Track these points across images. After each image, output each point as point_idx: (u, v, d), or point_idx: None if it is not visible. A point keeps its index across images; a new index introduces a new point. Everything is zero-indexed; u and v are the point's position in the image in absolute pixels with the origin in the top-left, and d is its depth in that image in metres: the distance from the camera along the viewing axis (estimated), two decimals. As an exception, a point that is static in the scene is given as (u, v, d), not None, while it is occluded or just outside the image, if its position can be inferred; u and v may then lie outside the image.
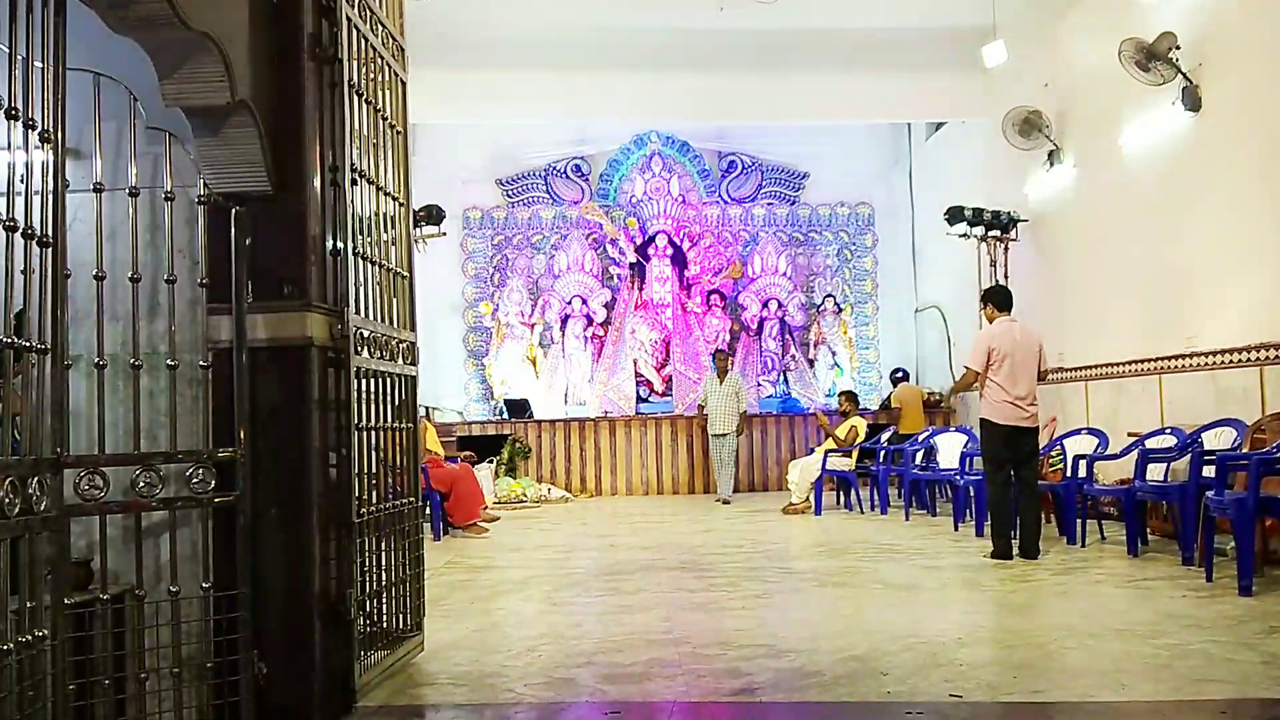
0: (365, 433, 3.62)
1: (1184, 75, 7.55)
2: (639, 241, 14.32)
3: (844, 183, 14.56)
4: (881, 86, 11.78)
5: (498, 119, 13.09)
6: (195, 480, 3.08)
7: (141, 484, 2.99)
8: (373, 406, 3.73)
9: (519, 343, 14.15)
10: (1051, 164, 9.95)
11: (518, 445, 12.60)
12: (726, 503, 11.35)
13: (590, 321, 14.24)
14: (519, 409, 13.13)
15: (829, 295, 14.52)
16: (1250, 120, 7.00)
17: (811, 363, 14.37)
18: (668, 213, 14.38)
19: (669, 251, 14.33)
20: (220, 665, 3.10)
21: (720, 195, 14.55)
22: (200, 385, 3.25)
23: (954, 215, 10.73)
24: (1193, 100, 7.55)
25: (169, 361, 3.15)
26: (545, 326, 14.21)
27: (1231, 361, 7.16)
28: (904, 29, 11.29)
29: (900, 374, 12.52)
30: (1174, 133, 7.86)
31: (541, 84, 11.54)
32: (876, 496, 10.08)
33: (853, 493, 10.28)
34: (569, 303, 14.23)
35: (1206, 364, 7.46)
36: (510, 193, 14.44)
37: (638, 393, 14.07)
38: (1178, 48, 7.56)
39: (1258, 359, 6.87)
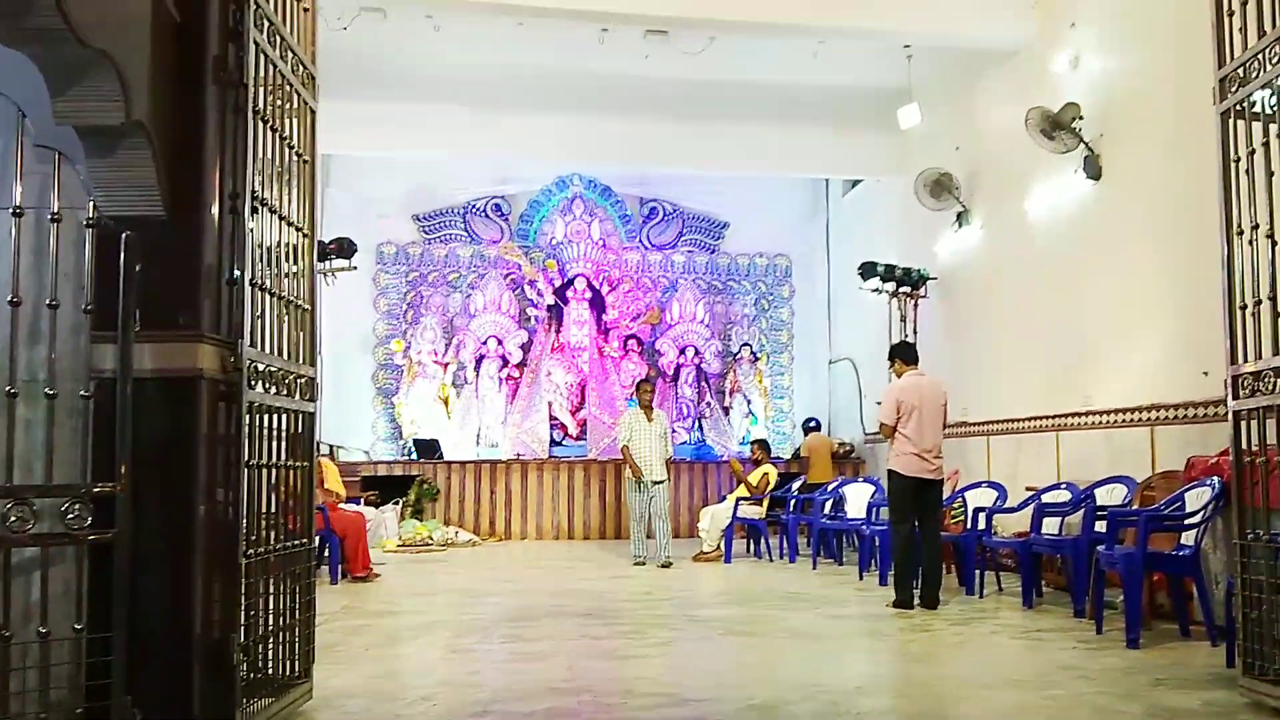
0: (256, 470, 3.50)
1: (1086, 145, 7.87)
2: (558, 284, 14.31)
3: (763, 233, 14.79)
4: (803, 141, 12.05)
5: (418, 154, 13.00)
6: (70, 516, 2.94)
7: (12, 518, 2.84)
8: (266, 443, 3.62)
9: (431, 382, 13.96)
10: (960, 224, 10.25)
11: (425, 486, 12.38)
12: (668, 565, 9.36)
13: (505, 362, 14.13)
14: (428, 449, 12.92)
15: (746, 344, 14.67)
16: (1146, 191, 7.31)
17: (727, 410, 14.46)
18: (588, 256, 14.41)
19: (588, 295, 14.34)
20: (92, 712, 2.94)
21: (641, 241, 14.65)
22: (81, 416, 3.12)
23: (867, 270, 10.97)
24: (1094, 169, 7.87)
25: (48, 390, 3.01)
26: (459, 366, 14.05)
27: (1125, 421, 7.41)
28: (826, 87, 11.58)
29: (812, 423, 12.68)
30: (1076, 199, 8.17)
31: (464, 121, 11.51)
32: (786, 545, 10.14)
33: (763, 541, 10.33)
34: (484, 343, 14.11)
35: (1102, 422, 7.71)
36: (428, 229, 14.32)
37: (551, 436, 13.97)
38: (1081, 118, 7.88)
39: (1149, 419, 7.13)
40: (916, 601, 6.66)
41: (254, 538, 3.46)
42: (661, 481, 9.78)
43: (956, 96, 10.42)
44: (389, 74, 11.02)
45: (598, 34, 10.05)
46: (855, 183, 13.75)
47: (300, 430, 3.94)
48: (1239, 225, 4.36)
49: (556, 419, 14.05)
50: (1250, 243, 4.29)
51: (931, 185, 10.22)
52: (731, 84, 11.48)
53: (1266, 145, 4.17)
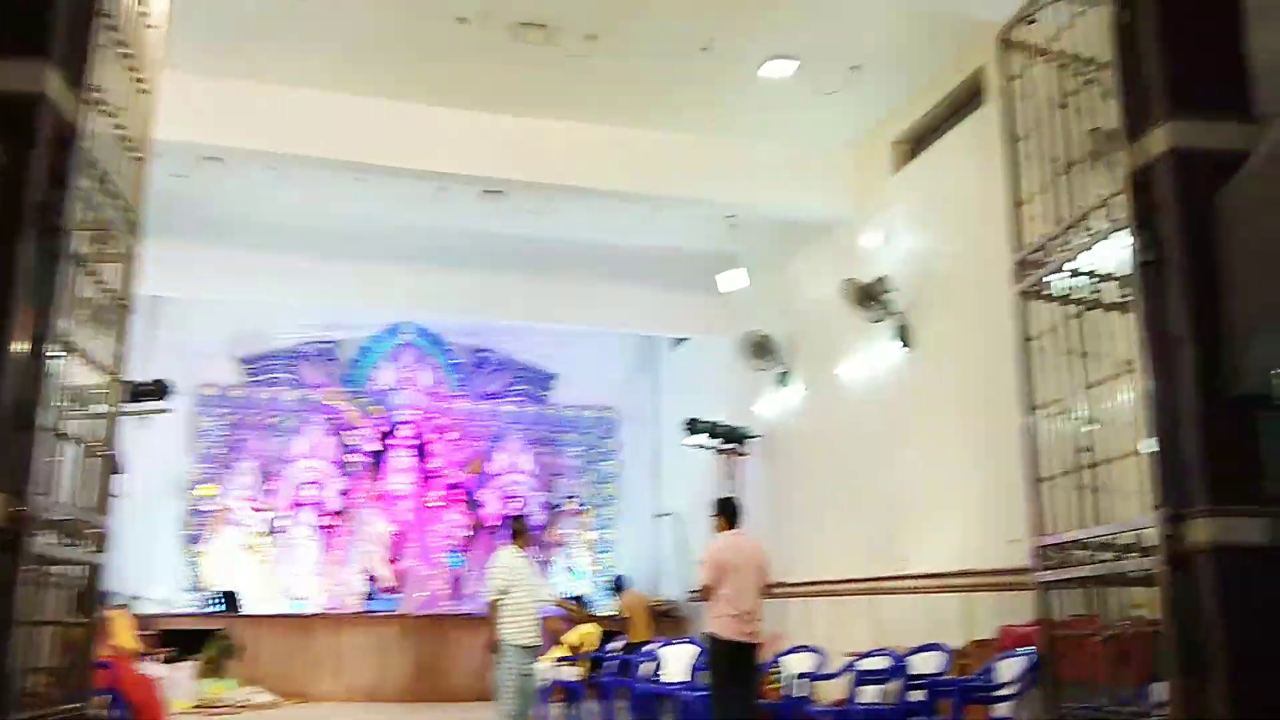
0: (30, 627, 3.06)
1: (897, 315, 8.25)
2: (383, 430, 13.80)
3: (592, 386, 14.79)
4: (633, 299, 12.25)
5: (250, 298, 12.54)
6: None
7: None
8: (47, 598, 3.20)
9: (242, 529, 13.02)
10: (782, 385, 10.51)
11: (227, 642, 11.34)
12: None
13: (322, 510, 13.38)
14: (233, 601, 11.92)
15: (571, 496, 14.42)
16: (953, 363, 7.66)
17: (547, 565, 14.03)
18: (415, 403, 14.01)
19: (413, 442, 13.87)
20: None
21: (470, 390, 14.38)
22: None
23: (693, 426, 11.04)
24: (905, 338, 8.23)
25: None
26: (273, 513, 13.20)
27: (940, 586, 7.52)
28: (657, 249, 11.89)
29: (620, 581, 12.41)
30: (890, 367, 8.50)
31: (299, 267, 11.25)
32: (604, 709, 9.70)
33: (580, 705, 9.85)
34: (301, 489, 13.34)
35: (918, 587, 7.80)
36: (253, 371, 13.66)
37: (367, 588, 13.17)
38: (891, 290, 8.29)
39: (962, 585, 7.25)
40: (736, 772, 6.40)
41: (27, 700, 3.00)
42: (537, 646, 7.71)
43: (778, 263, 10.85)
44: (226, 218, 10.77)
45: (434, 190, 10.07)
46: (684, 339, 14.02)
47: (87, 583, 3.52)
48: (1038, 401, 4.55)
49: (372, 571, 13.29)
50: (1049, 417, 4.47)
51: (754, 346, 10.49)
52: (567, 242, 11.64)
53: (1063, 325, 4.40)
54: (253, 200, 10.71)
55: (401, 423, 13.88)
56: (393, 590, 13.28)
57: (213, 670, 11.05)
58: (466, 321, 13.96)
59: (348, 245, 11.28)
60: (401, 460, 13.76)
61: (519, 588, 7.47)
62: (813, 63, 8.11)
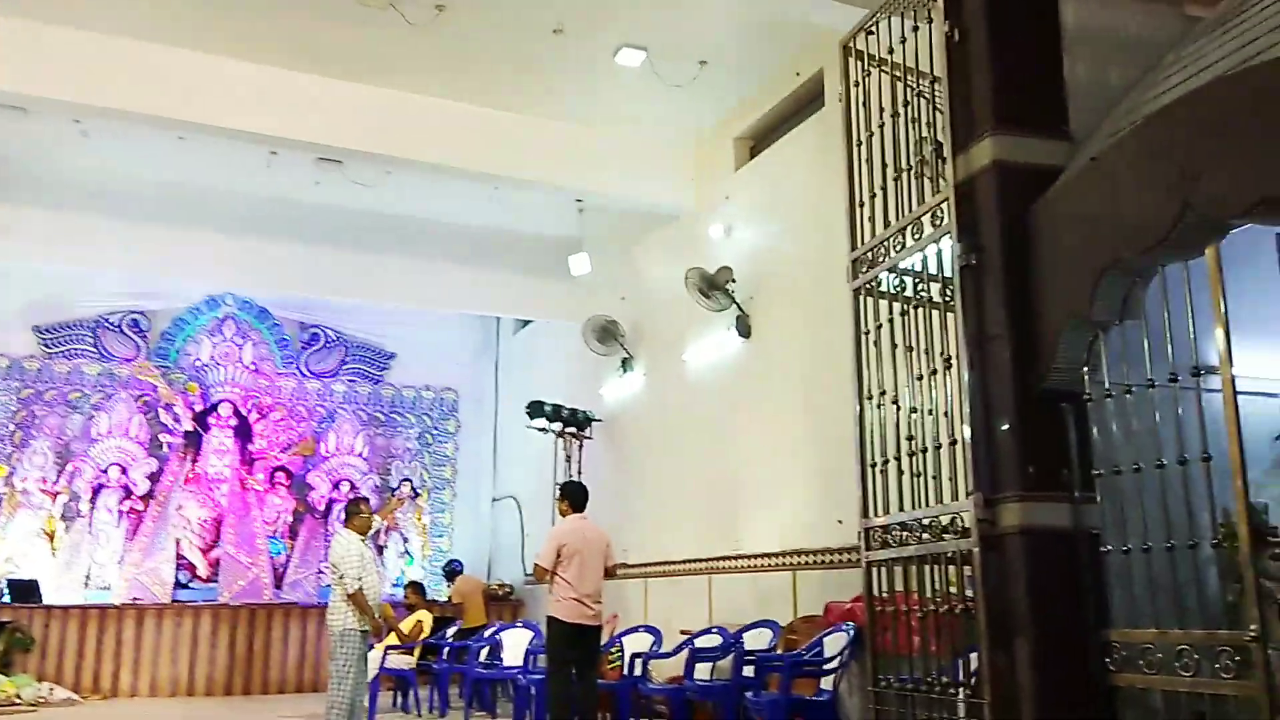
0: None
1: (738, 305, 8.62)
2: (199, 409, 13.29)
3: (431, 366, 14.68)
4: (476, 280, 12.22)
5: (50, 264, 11.84)
6: None
7: None
8: None
9: (36, 514, 12.31)
10: (625, 370, 10.77)
11: (18, 635, 10.73)
12: None
13: (129, 494, 12.78)
14: (25, 592, 11.27)
15: (406, 479, 14.30)
16: (790, 352, 8.07)
17: (381, 550, 13.88)
18: (236, 381, 13.55)
19: (233, 422, 13.42)
20: None
21: (299, 367, 14.02)
22: None
23: (535, 409, 11.16)
24: (745, 328, 8.61)
25: None
26: (72, 496, 12.52)
27: (771, 565, 7.94)
28: (501, 229, 11.91)
29: (456, 566, 12.44)
30: (729, 355, 8.86)
31: (106, 232, 10.69)
32: (437, 697, 9.74)
33: (412, 693, 9.86)
34: (105, 471, 12.71)
35: (751, 566, 8.22)
36: (50, 342, 12.88)
37: (177, 577, 12.67)
38: (734, 281, 8.64)
39: (792, 564, 7.69)
40: (572, 751, 6.60)
41: None
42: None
43: (624, 250, 11.09)
44: (25, 174, 10.16)
45: (266, 156, 9.79)
46: (527, 322, 14.10)
47: None
48: (868, 391, 4.92)
49: (185, 558, 12.80)
50: (878, 407, 4.85)
51: (599, 331, 10.69)
52: (407, 218, 11.53)
53: (891, 321, 4.78)
54: (56, 155, 10.12)
55: (221, 401, 13.40)
56: (207, 579, 12.84)
57: (2, 666, 10.46)
58: (296, 296, 13.59)
59: (164, 209, 10.80)
60: (220, 441, 13.30)
61: (365, 574, 7.27)
62: (661, 55, 8.35)
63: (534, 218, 11.64)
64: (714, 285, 8.65)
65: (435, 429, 14.67)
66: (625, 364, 10.76)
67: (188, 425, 13.16)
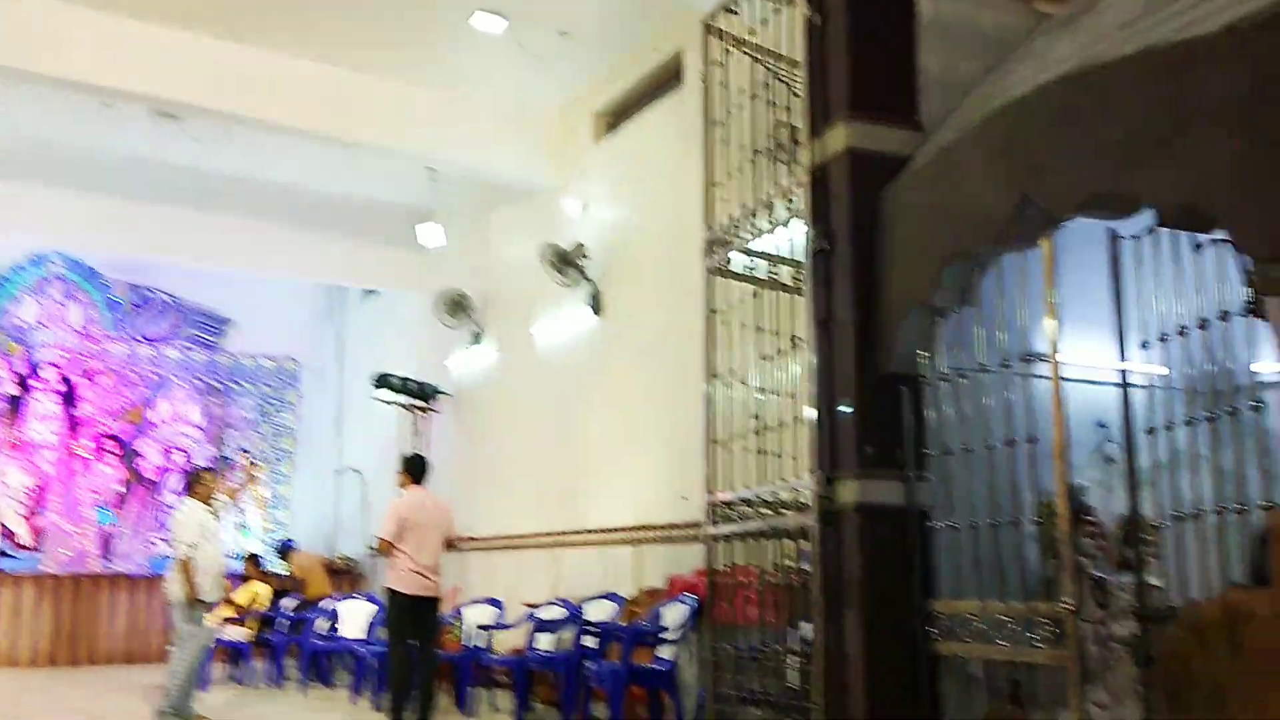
0: None
1: (591, 282, 8.50)
2: (22, 372, 12.29)
3: (272, 334, 13.96)
4: (322, 246, 11.67)
5: None
6: None
7: None
8: None
9: None
10: (475, 344, 10.51)
11: None
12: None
13: (-60, 459, 11.73)
14: None
15: (244, 450, 13.60)
16: (641, 330, 8.00)
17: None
18: (62, 344, 12.58)
19: (59, 386, 12.46)
20: None
21: (130, 331, 13.12)
22: None
23: (381, 381, 10.77)
24: (597, 304, 8.49)
25: None
26: (-128, 461, 11.40)
27: (616, 539, 7.89)
28: (350, 195, 11.40)
29: (288, 544, 11.96)
30: (581, 331, 8.74)
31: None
32: (273, 669, 9.32)
33: (246, 665, 9.41)
34: (-87, 434, 11.63)
35: (596, 540, 8.14)
36: None
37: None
38: (587, 257, 8.51)
39: (637, 538, 7.65)
40: (411, 725, 6.40)
41: None
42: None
43: (478, 221, 10.79)
44: None
45: (97, 107, 9.04)
46: (374, 291, 13.59)
47: None
48: (717, 370, 4.90)
49: (5, 526, 11.86)
50: (727, 385, 4.82)
51: (449, 304, 10.39)
52: (247, 179, 10.89)
53: (743, 301, 4.76)
54: None
55: (45, 364, 12.43)
56: (31, 548, 11.92)
57: None
58: (128, 257, 12.67)
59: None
60: (44, 405, 12.34)
61: (207, 543, 7.01)
62: (522, 23, 8.09)
63: (384, 184, 11.17)
64: (568, 261, 8.51)
65: (275, 399, 13.99)
66: (476, 337, 10.50)
67: (10, 388, 12.15)
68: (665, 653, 5.81)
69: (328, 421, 14.07)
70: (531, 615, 7.39)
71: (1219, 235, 2.99)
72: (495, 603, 8.09)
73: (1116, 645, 4.03)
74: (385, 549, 6.68)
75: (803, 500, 4.25)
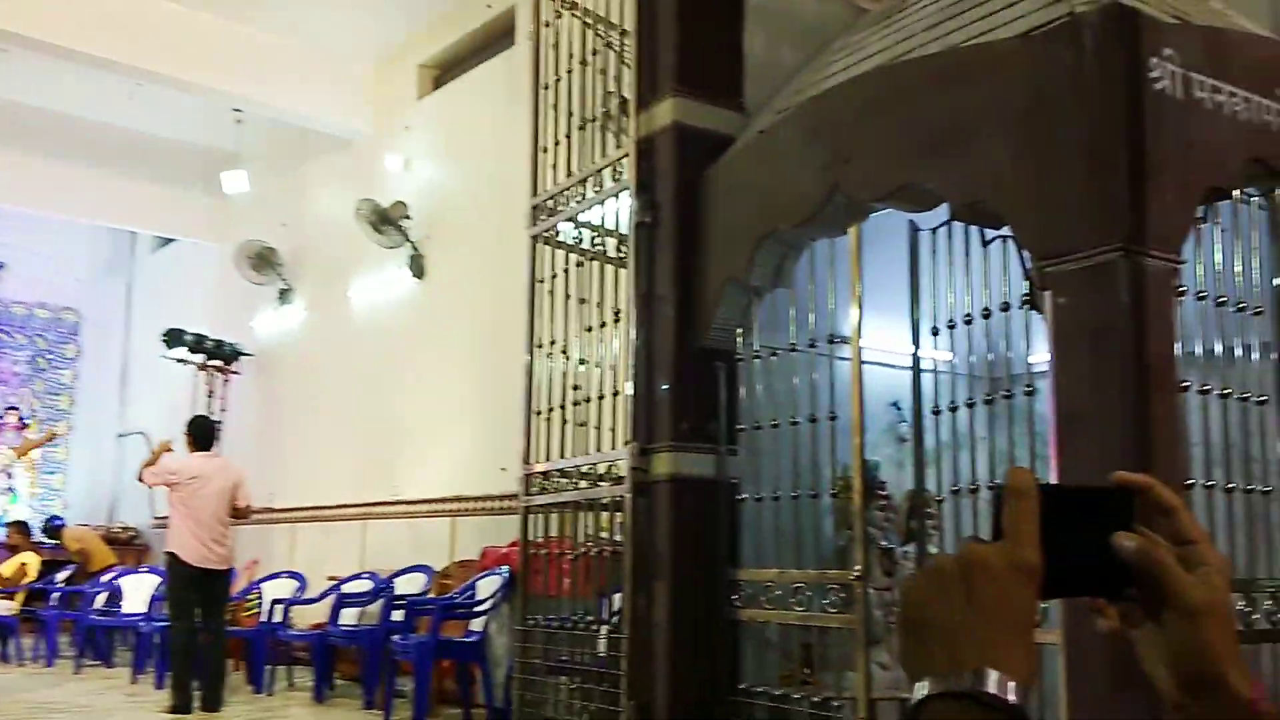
0: None
1: (412, 244, 8.48)
2: None
3: (48, 282, 13.21)
4: (107, 185, 11.13)
5: None
6: None
7: None
8: None
9: None
10: (283, 303, 10.28)
11: None
12: None
13: None
14: None
15: (12, 408, 12.82)
16: (464, 297, 8.07)
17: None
18: None
19: None
20: None
21: (-122, 270, 12.15)
22: None
23: (174, 338, 10.41)
24: (418, 267, 8.50)
25: None
26: None
27: (430, 511, 7.98)
28: (142, 133, 10.89)
29: (56, 522, 11.43)
30: (401, 295, 8.71)
31: None
32: (43, 646, 8.95)
33: (12, 641, 8.99)
34: None
35: (408, 512, 8.20)
36: None
37: None
38: (409, 217, 8.49)
39: (452, 510, 7.76)
40: (196, 704, 6.33)
41: None
42: None
43: (289, 171, 10.53)
44: None
45: None
46: (168, 240, 13.03)
47: None
48: (539, 339, 5.07)
49: None
50: (549, 355, 5.01)
51: (254, 258, 10.13)
52: (23, 106, 10.25)
53: (567, 271, 4.94)
54: None
55: None
56: None
57: None
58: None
59: None
60: None
61: None
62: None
63: (183, 124, 10.72)
64: (387, 220, 8.46)
65: (51, 353, 13.28)
66: (284, 295, 10.28)
67: None
68: (477, 625, 5.98)
69: (111, 380, 13.44)
70: (335, 589, 7.40)
71: (1005, 232, 3.38)
72: (297, 576, 8.04)
73: (899, 610, 4.47)
74: (145, 479, 6.60)
75: (618, 472, 4.49)
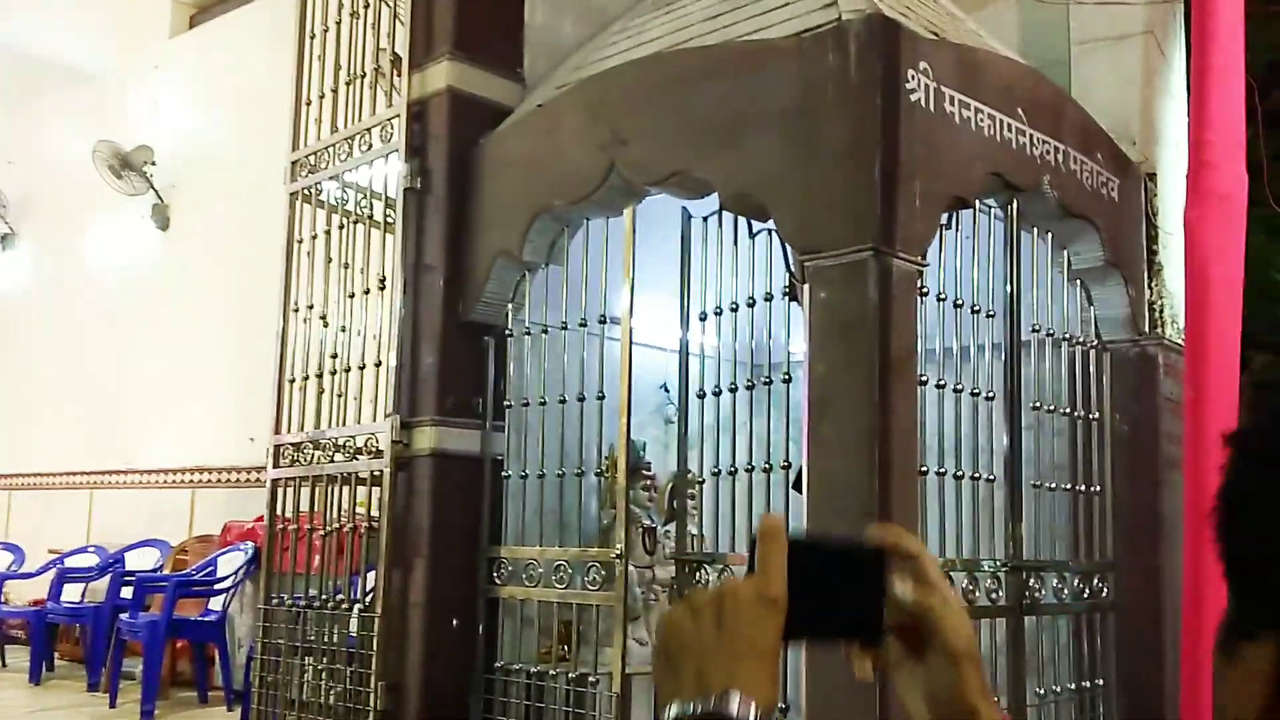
0: None
1: (157, 193, 7.92)
2: None
3: None
4: None
5: None
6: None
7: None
8: None
9: None
10: (4, 248, 9.39)
11: None
12: None
13: None
14: None
15: None
16: (214, 254, 7.60)
17: None
18: None
19: None
20: None
21: None
22: None
23: None
24: (163, 219, 7.94)
25: None
26: None
27: (167, 482, 7.51)
28: None
29: None
30: (142, 248, 8.11)
31: None
32: None
33: None
34: None
35: (142, 483, 7.69)
36: None
37: None
38: (154, 163, 7.91)
39: (191, 481, 7.34)
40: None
41: None
42: None
43: (16, 104, 9.57)
44: None
45: None
46: None
47: None
48: (296, 303, 4.85)
49: None
50: (305, 321, 4.80)
51: (-29, 197, 9.18)
52: None
53: (329, 233, 4.74)
54: None
55: None
56: None
57: None
58: None
59: None
60: None
61: None
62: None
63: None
64: (129, 165, 7.86)
65: None
66: (5, 241, 9.38)
67: None
68: (216, 603, 5.70)
69: None
70: (57, 563, 6.87)
71: (771, 225, 3.51)
72: (13, 548, 7.41)
73: (659, 587, 4.61)
74: None
75: (378, 445, 4.38)
